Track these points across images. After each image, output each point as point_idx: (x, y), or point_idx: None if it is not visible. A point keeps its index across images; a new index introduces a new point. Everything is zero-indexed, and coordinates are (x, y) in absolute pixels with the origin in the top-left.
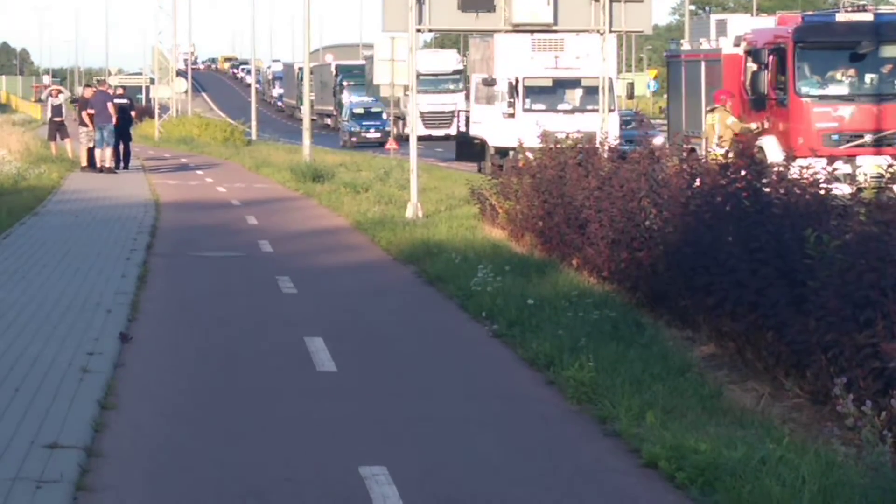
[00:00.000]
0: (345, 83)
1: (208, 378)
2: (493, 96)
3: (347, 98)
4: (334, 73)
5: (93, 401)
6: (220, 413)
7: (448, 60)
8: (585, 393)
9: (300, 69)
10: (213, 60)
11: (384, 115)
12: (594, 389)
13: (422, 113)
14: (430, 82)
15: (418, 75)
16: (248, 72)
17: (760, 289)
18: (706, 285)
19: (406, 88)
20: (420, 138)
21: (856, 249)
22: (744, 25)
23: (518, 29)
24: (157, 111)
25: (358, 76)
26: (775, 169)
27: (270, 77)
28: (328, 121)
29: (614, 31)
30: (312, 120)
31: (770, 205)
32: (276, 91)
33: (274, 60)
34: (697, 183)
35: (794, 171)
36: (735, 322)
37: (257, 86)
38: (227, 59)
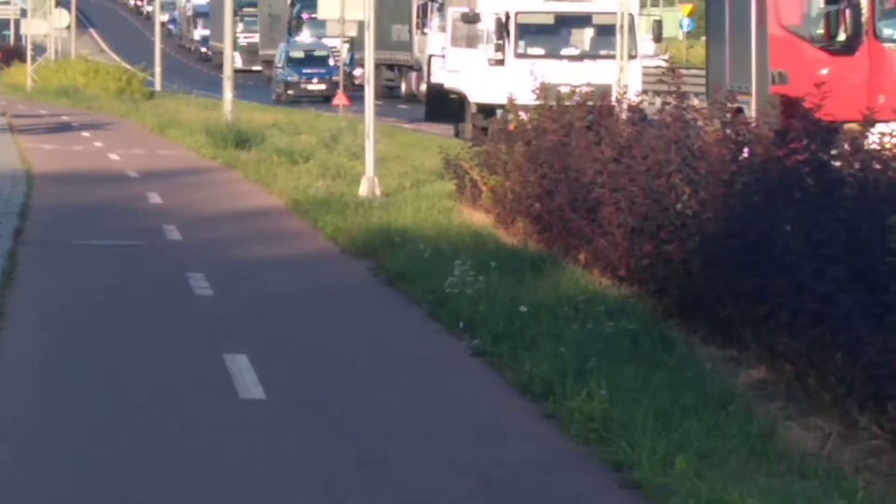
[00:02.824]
0: (303, 15)
1: (96, 409)
2: (476, 37)
3: (307, 37)
4: (290, 1)
5: None
6: (112, 456)
7: None
8: (595, 430)
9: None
10: None
11: (331, 61)
12: (607, 426)
13: None
14: None
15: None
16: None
17: (828, 294)
18: (756, 289)
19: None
20: None
21: None
22: None
23: None
24: (29, 53)
25: None
26: (848, 136)
27: (190, 13)
28: None
29: None
30: (258, 71)
31: (841, 183)
32: (199, 32)
33: None
34: (745, 154)
35: (872, 140)
36: (794, 338)
37: (171, 26)
38: None
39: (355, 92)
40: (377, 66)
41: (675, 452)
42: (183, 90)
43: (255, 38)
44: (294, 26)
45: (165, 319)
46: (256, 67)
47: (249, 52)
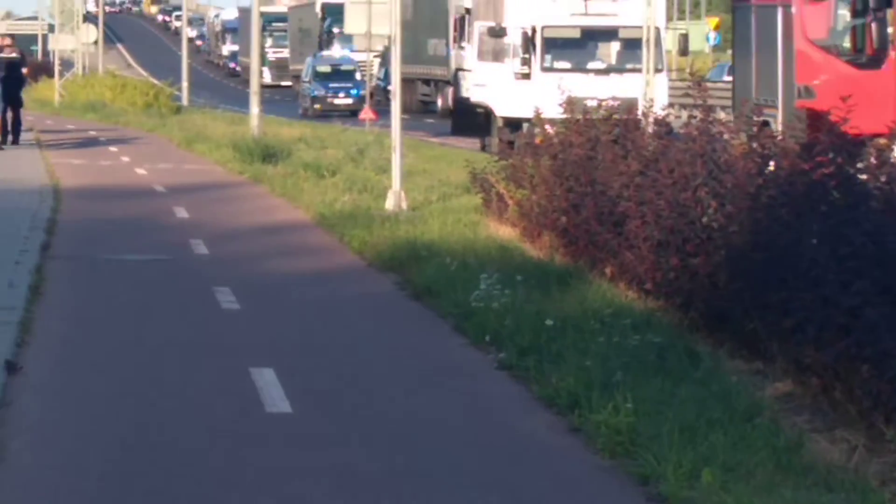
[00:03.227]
0: (334, 30)
1: (122, 422)
2: (503, 51)
3: (338, 51)
4: (320, 15)
5: None
6: (138, 468)
7: None
8: (621, 444)
9: (262, 16)
10: (137, 2)
11: (357, 75)
12: (633, 439)
13: None
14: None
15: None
16: (188, 20)
17: (854, 308)
18: (782, 302)
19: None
20: None
21: None
22: None
23: None
24: (57, 68)
25: None
26: (874, 150)
27: (219, 29)
28: None
29: None
30: (287, 86)
31: (867, 197)
32: (228, 48)
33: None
34: (771, 167)
35: None
36: (820, 351)
37: (200, 42)
38: (156, 1)
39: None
40: (413, 81)
41: (702, 465)
42: (210, 105)
43: (285, 53)
44: (325, 41)
45: (192, 333)
46: (286, 83)
47: (279, 67)
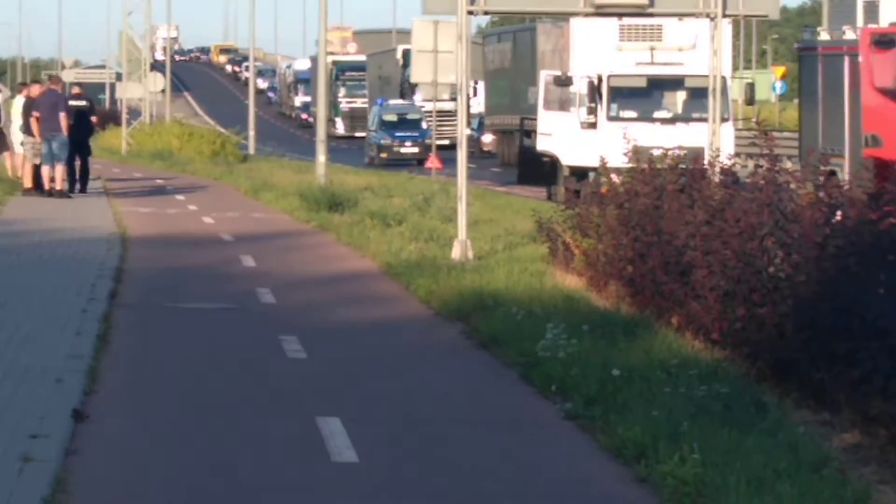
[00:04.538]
0: None
1: (189, 471)
2: (569, 100)
3: (419, 99)
4: (401, 62)
5: (36, 499)
6: None
7: None
8: (688, 494)
9: (334, 64)
10: (205, 51)
11: (423, 124)
12: (700, 490)
13: None
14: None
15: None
16: (259, 71)
17: None
18: (849, 353)
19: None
20: None
21: None
22: None
23: (602, 12)
24: (124, 116)
25: None
26: None
27: (291, 80)
28: None
29: (729, 16)
30: (363, 137)
31: None
32: (300, 99)
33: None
34: (839, 217)
35: None
36: (888, 402)
37: (271, 94)
38: (225, 51)
39: (483, 159)
40: (510, 133)
41: None
42: (276, 154)
43: (359, 102)
44: (406, 88)
45: (258, 382)
46: (361, 133)
47: (352, 117)
